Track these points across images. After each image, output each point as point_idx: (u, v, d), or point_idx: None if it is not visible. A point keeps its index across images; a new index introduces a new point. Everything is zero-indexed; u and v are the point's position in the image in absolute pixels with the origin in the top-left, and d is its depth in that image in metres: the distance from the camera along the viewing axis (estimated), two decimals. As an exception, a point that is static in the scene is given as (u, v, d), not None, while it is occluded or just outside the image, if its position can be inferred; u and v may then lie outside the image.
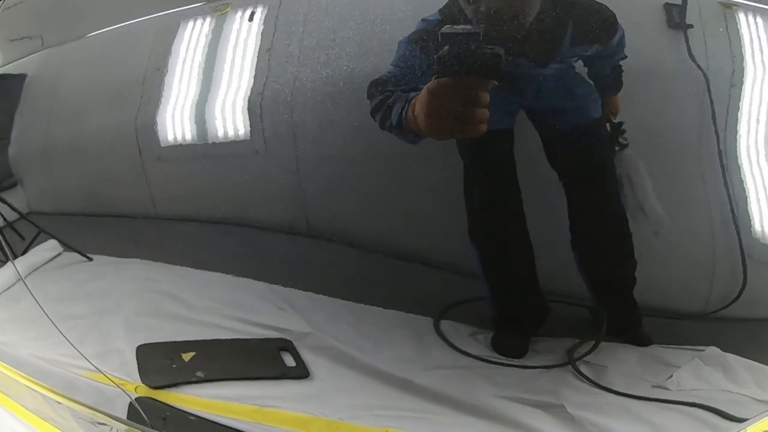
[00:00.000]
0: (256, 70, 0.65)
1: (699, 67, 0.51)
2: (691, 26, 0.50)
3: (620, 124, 0.52)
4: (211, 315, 0.77)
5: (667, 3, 0.52)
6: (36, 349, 0.98)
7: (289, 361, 0.72)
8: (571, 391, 0.64)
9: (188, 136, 0.71)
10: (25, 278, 0.92)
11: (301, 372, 0.71)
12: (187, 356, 0.77)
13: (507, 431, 0.67)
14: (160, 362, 0.80)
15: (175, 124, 0.71)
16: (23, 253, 0.92)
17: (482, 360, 0.65)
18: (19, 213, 0.92)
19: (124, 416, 0.83)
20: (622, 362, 0.64)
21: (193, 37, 0.71)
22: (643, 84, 0.52)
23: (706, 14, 0.52)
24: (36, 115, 0.90)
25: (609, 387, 0.64)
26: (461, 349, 0.65)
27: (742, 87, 0.52)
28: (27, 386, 0.94)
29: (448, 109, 0.52)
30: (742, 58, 0.52)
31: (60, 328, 0.92)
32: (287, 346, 0.72)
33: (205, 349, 0.77)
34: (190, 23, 0.72)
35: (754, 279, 0.59)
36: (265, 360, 0.74)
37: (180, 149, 0.73)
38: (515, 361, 0.65)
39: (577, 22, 0.53)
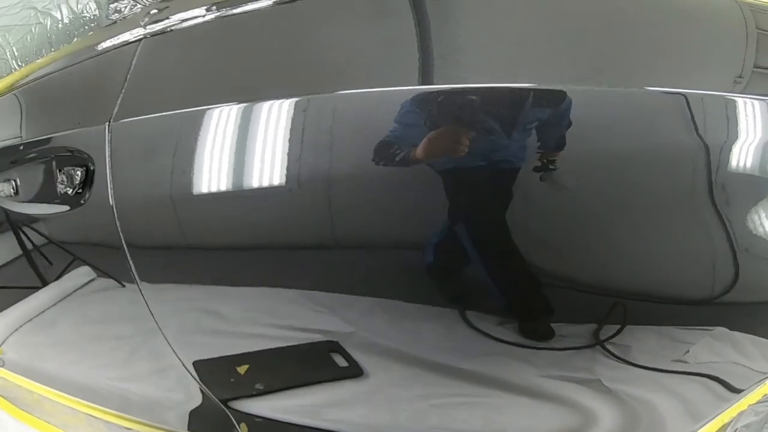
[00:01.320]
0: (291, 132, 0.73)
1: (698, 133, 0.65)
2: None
3: (554, 159, 0.66)
4: (252, 326, 0.81)
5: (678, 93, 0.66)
6: (76, 373, 1.00)
7: (341, 361, 0.76)
8: (603, 368, 0.71)
9: (223, 185, 0.77)
10: (59, 302, 0.95)
11: (355, 371, 0.75)
12: (242, 369, 0.81)
13: (555, 407, 0.73)
14: (219, 377, 0.83)
15: (212, 171, 0.77)
16: (57, 279, 0.94)
17: (519, 345, 0.71)
18: (54, 242, 0.95)
19: (183, 428, 0.87)
20: (642, 341, 0.71)
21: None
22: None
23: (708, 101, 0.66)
24: None
25: (636, 362, 0.71)
26: (495, 336, 0.71)
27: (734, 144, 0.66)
28: (86, 413, 0.96)
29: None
30: (736, 125, 0.66)
31: (105, 348, 0.95)
32: (335, 347, 0.76)
33: (258, 360, 0.80)
34: None
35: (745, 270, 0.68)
36: (318, 364, 0.78)
37: (214, 194, 0.78)
38: (549, 344, 0.71)
39: (537, 92, 0.68)
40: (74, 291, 0.93)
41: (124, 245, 0.80)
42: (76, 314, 0.96)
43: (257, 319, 0.80)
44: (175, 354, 0.82)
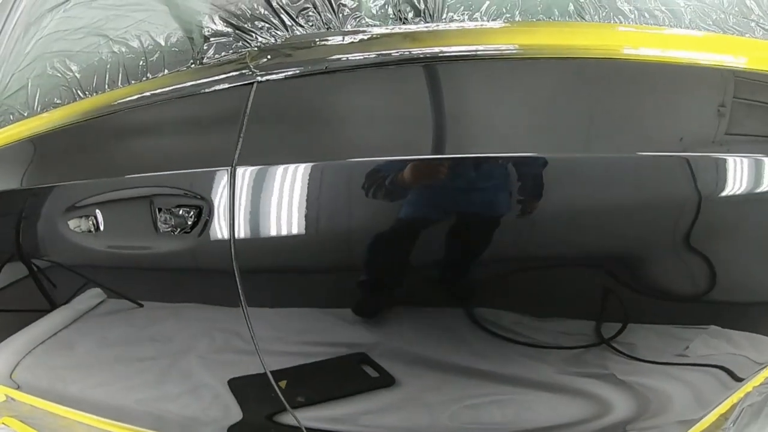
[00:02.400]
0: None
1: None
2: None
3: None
4: (280, 344, 0.85)
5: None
6: (105, 396, 1.02)
7: (372, 372, 0.81)
8: (615, 363, 0.77)
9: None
10: (71, 324, 0.96)
11: (387, 380, 0.80)
12: (281, 384, 0.85)
13: (579, 400, 0.80)
14: (259, 392, 0.87)
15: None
16: (68, 302, 0.95)
17: (536, 346, 0.77)
18: (62, 264, 0.95)
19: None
20: (644, 339, 0.78)
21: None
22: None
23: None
24: None
25: (643, 358, 0.77)
26: (507, 337, 0.77)
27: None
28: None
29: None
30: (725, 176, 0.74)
31: (130, 370, 0.97)
32: (364, 359, 0.81)
33: (296, 375, 0.85)
34: None
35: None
36: (351, 376, 0.83)
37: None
38: (562, 344, 0.77)
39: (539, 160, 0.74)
40: (88, 313, 0.93)
41: (237, 277, 0.82)
42: (95, 336, 0.97)
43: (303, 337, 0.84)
44: (264, 368, 0.85)
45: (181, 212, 0.84)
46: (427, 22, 0.83)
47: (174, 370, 0.93)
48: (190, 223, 0.84)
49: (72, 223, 0.92)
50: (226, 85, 0.84)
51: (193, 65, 0.90)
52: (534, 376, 0.79)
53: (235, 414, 0.90)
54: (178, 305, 0.90)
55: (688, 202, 0.73)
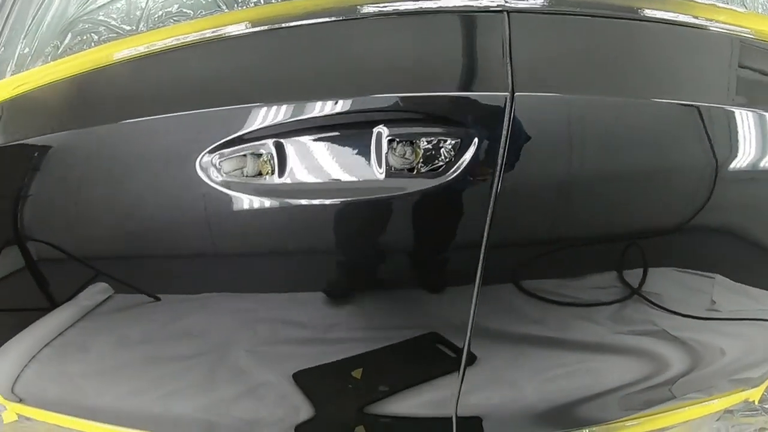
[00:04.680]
0: None
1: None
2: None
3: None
4: (338, 330, 0.79)
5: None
6: (145, 405, 0.88)
7: (449, 351, 0.80)
8: (662, 320, 0.84)
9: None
10: (79, 322, 0.82)
11: (470, 359, 0.80)
12: (356, 373, 0.82)
13: (643, 360, 0.87)
14: (334, 386, 0.84)
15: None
16: (72, 297, 0.81)
17: (570, 305, 0.80)
18: (72, 255, 0.80)
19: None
20: (665, 288, 0.82)
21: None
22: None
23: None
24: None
25: (677, 311, 0.83)
26: (553, 300, 0.79)
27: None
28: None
29: None
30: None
31: (167, 371, 0.85)
32: (438, 339, 0.79)
33: (369, 361, 0.81)
34: None
35: None
36: (433, 358, 0.81)
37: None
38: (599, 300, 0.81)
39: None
40: (96, 309, 0.80)
41: (485, 238, 0.72)
42: (113, 336, 0.84)
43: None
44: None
45: (428, 144, 0.70)
46: None
47: (222, 368, 0.83)
48: (445, 158, 0.70)
49: (228, 165, 0.71)
50: (469, 5, 0.75)
51: None
52: (594, 339, 0.83)
53: (306, 411, 0.86)
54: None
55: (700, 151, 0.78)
